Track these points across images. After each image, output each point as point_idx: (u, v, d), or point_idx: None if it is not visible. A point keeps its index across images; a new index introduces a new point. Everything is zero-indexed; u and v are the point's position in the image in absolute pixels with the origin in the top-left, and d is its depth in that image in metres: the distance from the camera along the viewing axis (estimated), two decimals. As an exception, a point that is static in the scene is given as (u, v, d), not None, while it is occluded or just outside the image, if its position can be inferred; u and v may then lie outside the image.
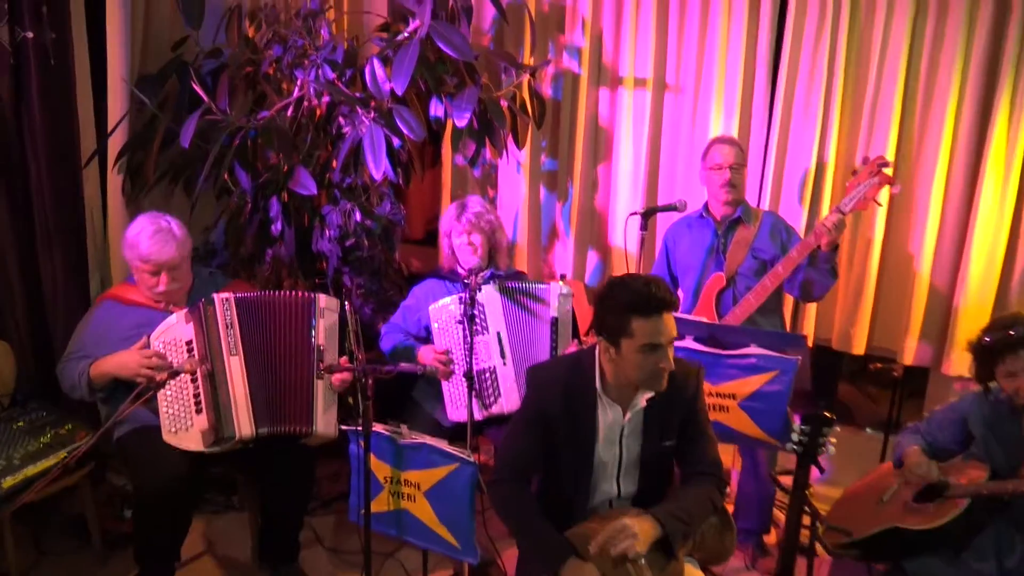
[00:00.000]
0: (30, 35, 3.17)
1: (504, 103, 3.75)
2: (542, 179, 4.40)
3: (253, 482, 3.24)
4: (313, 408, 2.93)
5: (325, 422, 2.96)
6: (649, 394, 2.37)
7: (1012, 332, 2.43)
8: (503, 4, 3.90)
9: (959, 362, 3.61)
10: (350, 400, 2.97)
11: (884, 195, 3.40)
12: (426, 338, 3.42)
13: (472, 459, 2.59)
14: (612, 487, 2.43)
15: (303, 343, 2.94)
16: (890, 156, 3.62)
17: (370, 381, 2.59)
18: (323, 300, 2.97)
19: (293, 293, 2.98)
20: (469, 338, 3.07)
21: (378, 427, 2.69)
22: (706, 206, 3.48)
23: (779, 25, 3.77)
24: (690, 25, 3.94)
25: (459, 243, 3.40)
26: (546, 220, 4.45)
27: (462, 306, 3.18)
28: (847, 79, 3.67)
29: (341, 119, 3.62)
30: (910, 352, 3.75)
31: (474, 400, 3.23)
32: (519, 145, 4.05)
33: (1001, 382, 2.51)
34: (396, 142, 3.47)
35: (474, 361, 3.19)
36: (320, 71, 3.39)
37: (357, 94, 3.47)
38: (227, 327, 2.88)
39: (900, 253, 3.74)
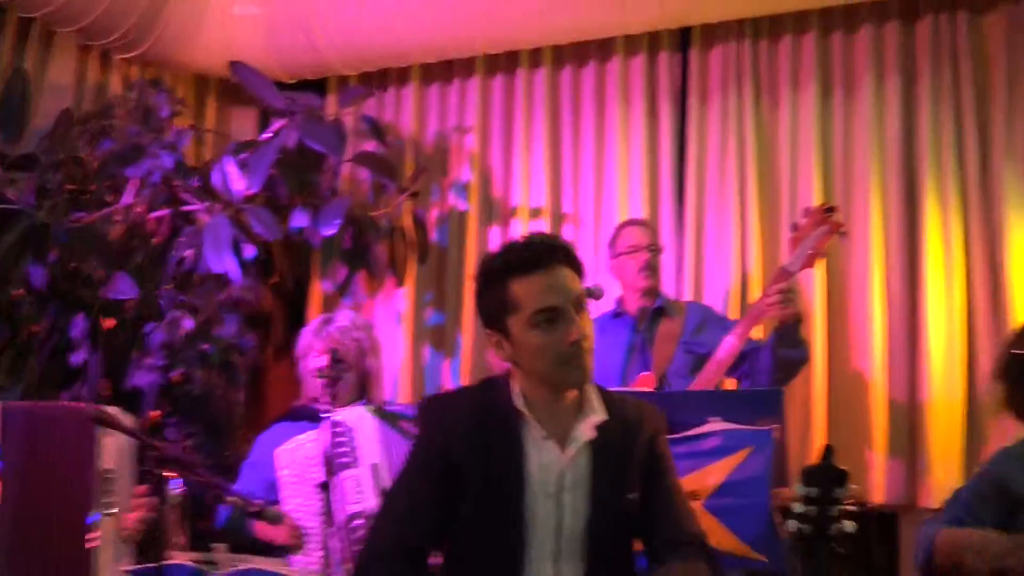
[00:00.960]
0: None
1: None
2: (427, 336, 3.76)
3: None
4: (93, 556, 1.96)
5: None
6: (597, 419, 1.63)
7: None
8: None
9: (938, 492, 2.93)
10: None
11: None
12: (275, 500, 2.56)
13: None
14: (547, 569, 1.57)
15: (79, 470, 2.05)
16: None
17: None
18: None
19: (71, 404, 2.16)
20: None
21: (181, 557, 1.79)
22: (619, 302, 3.00)
23: (680, 138, 3.52)
24: (585, 148, 3.64)
25: (317, 365, 2.69)
26: (430, 382, 3.75)
27: (324, 435, 2.40)
28: (761, 182, 3.36)
29: (183, 239, 3.00)
30: (879, 488, 3.07)
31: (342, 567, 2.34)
32: (399, 280, 3.47)
33: None
34: (250, 251, 2.85)
35: (341, 506, 2.34)
36: (157, 162, 2.81)
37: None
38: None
39: (845, 369, 3.20)
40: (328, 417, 2.47)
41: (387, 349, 3.73)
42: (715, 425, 2.15)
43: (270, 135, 2.95)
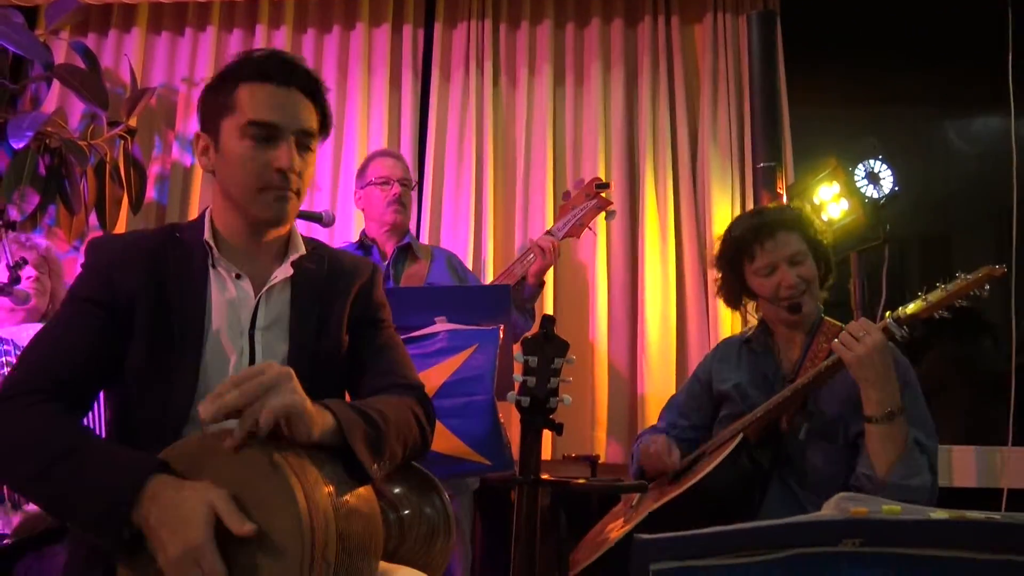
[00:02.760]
0: None
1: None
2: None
3: None
4: None
5: None
6: (295, 255, 1.48)
7: (755, 218, 2.00)
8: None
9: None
10: None
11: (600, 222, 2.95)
12: None
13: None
14: None
15: None
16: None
17: None
18: None
19: None
20: None
21: None
22: (363, 233, 2.77)
23: (422, 111, 3.52)
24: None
25: None
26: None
27: None
28: (497, 158, 3.43)
29: None
30: (601, 446, 3.17)
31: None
32: (105, 226, 3.09)
33: (756, 286, 2.00)
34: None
35: None
36: None
37: None
38: None
39: (578, 337, 3.30)
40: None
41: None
42: (441, 326, 2.08)
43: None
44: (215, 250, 1.43)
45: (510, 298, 2.16)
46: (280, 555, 1.01)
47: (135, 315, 1.36)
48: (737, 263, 2.02)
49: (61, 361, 1.30)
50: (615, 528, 2.00)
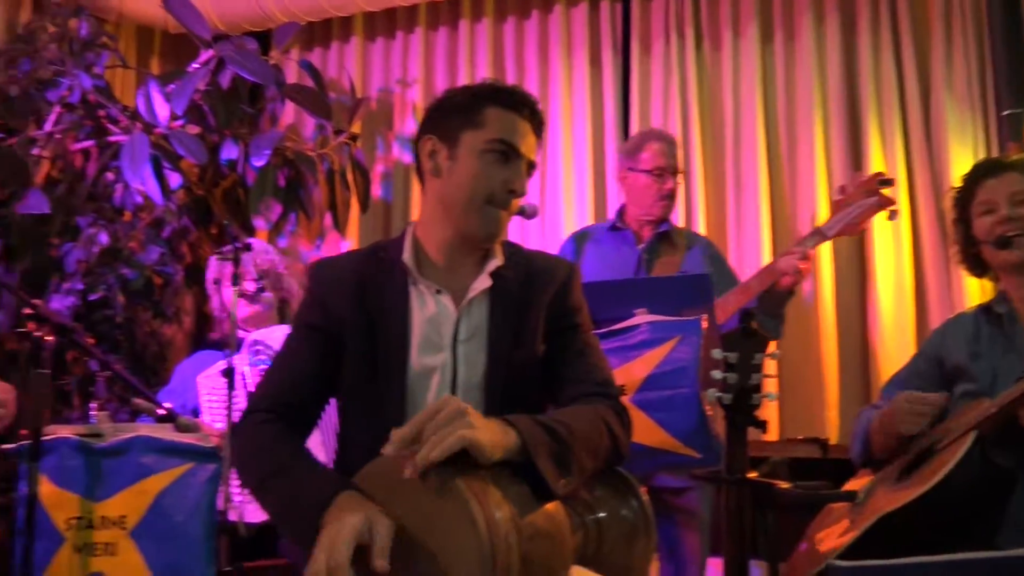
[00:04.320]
0: None
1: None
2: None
3: None
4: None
5: None
6: (493, 265, 1.53)
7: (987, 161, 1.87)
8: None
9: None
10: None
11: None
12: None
13: (213, 445, 1.59)
14: None
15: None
16: (763, 201, 3.18)
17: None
18: None
19: None
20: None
21: (63, 430, 1.67)
22: (619, 215, 2.63)
23: (625, 83, 3.48)
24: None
25: (213, 303, 2.61)
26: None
27: (244, 356, 2.31)
28: (704, 127, 3.33)
29: (109, 175, 2.89)
30: (833, 428, 3.00)
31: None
32: (340, 228, 3.37)
33: (976, 229, 1.86)
34: (176, 181, 2.74)
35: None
36: (76, 82, 2.71)
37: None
38: None
39: (801, 312, 3.13)
40: (247, 339, 2.39)
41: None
42: (641, 318, 2.06)
43: (198, 65, 2.85)
44: (415, 271, 1.51)
45: (712, 287, 2.09)
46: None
47: (346, 340, 1.47)
48: (964, 212, 1.89)
49: (287, 386, 1.45)
50: (836, 532, 1.88)
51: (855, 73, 3.16)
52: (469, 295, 1.51)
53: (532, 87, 3.58)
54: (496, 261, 1.54)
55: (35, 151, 2.79)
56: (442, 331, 1.50)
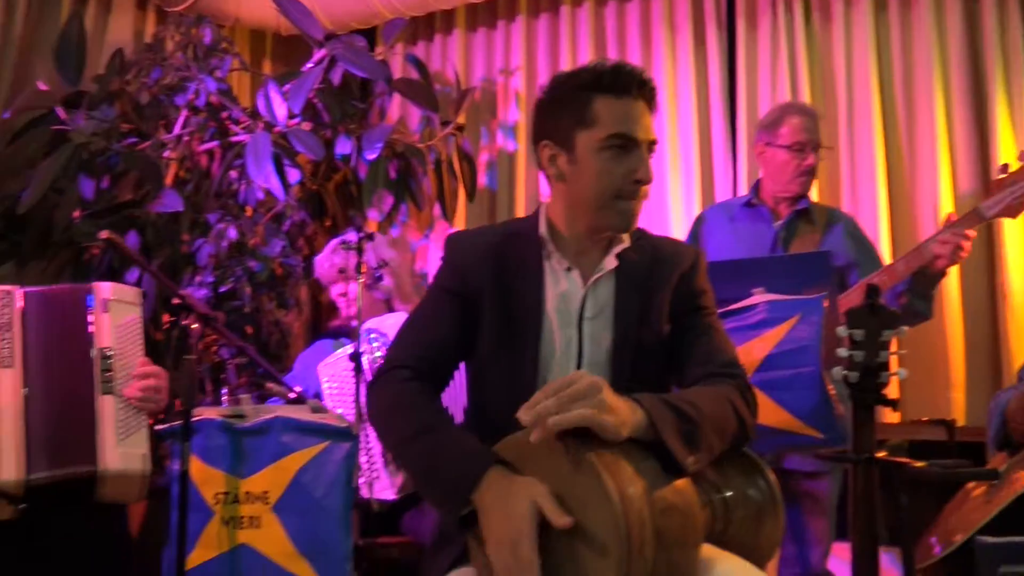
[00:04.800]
0: None
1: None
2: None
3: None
4: (96, 437, 1.87)
5: (121, 455, 1.85)
6: (620, 246, 1.54)
7: None
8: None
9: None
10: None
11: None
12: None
13: (348, 425, 1.66)
14: None
15: (76, 348, 1.98)
16: (880, 178, 3.07)
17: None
18: (108, 290, 2.03)
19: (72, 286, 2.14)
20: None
21: (209, 412, 1.77)
22: (755, 191, 2.56)
23: (730, 61, 3.42)
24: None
25: (335, 293, 2.70)
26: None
27: (370, 344, 2.39)
28: (815, 103, 3.21)
29: (233, 173, 3.03)
30: (959, 409, 2.88)
31: (387, 473, 2.30)
32: (448, 217, 3.44)
33: None
34: (294, 177, 2.86)
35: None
36: (202, 86, 2.85)
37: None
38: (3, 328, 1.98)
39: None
40: (362, 327, 2.46)
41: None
42: (759, 297, 2.04)
43: (312, 65, 2.97)
44: (550, 244, 1.54)
45: (831, 265, 2.05)
46: (600, 550, 1.09)
47: (483, 308, 1.51)
48: None
49: (425, 344, 1.50)
50: (975, 512, 1.81)
51: (978, 40, 3.01)
52: (597, 274, 1.54)
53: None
54: (623, 244, 1.56)
55: (165, 154, 2.97)
56: (570, 307, 1.53)
